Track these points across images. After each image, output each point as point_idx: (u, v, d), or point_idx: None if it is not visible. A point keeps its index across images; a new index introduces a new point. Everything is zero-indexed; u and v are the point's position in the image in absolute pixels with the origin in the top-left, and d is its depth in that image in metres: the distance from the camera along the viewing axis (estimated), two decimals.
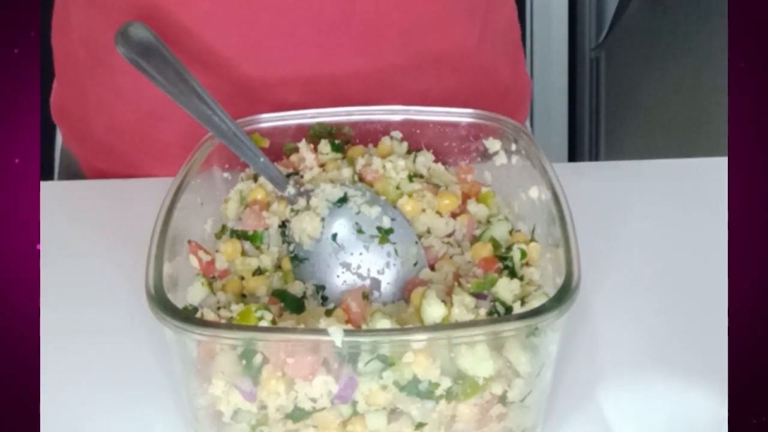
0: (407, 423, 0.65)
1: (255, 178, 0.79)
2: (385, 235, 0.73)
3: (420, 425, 0.65)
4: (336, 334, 0.60)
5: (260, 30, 0.91)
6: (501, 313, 0.66)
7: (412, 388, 0.63)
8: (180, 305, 0.65)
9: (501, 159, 0.79)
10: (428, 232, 0.76)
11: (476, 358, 0.62)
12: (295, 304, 0.71)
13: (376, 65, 0.94)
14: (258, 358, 0.63)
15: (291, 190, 0.76)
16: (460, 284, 0.69)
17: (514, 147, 0.78)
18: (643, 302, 0.81)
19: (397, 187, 0.77)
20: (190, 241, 0.72)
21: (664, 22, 2.02)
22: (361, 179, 0.78)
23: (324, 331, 0.60)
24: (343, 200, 0.74)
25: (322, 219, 0.74)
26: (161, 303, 0.63)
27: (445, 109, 0.80)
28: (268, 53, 0.92)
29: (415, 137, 0.81)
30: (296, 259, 0.74)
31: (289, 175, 0.78)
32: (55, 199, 0.87)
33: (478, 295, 0.67)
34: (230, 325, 0.64)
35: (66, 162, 1.08)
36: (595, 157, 2.08)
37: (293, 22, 0.91)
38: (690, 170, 0.93)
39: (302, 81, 0.93)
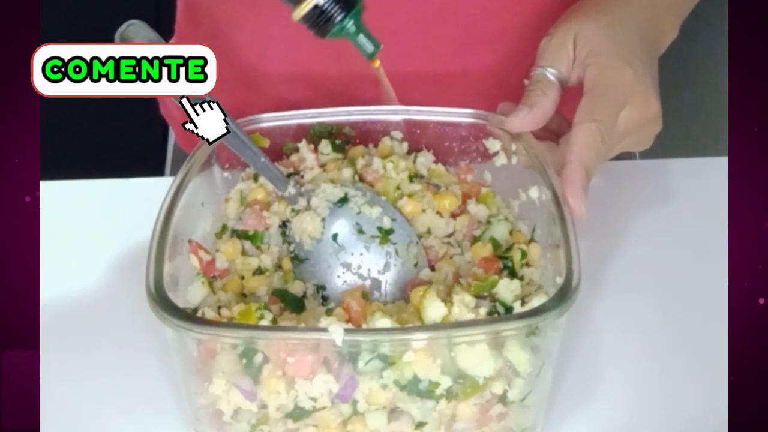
0: (407, 422, 0.65)
1: (255, 178, 0.78)
2: (385, 235, 0.73)
3: (420, 424, 0.65)
4: (336, 333, 0.60)
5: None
6: (501, 313, 0.66)
7: (413, 387, 0.63)
8: (180, 305, 0.65)
9: (501, 159, 0.79)
10: (428, 232, 0.76)
11: (476, 358, 0.62)
12: (295, 304, 0.71)
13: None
14: (258, 357, 0.63)
15: (291, 190, 0.76)
16: (460, 284, 0.69)
17: (514, 147, 0.77)
18: (643, 302, 0.80)
19: (398, 188, 0.77)
20: (191, 241, 0.72)
21: None
22: (362, 179, 0.78)
23: (324, 330, 0.60)
24: (344, 200, 0.74)
25: (323, 219, 0.74)
26: (162, 302, 0.63)
27: (445, 109, 0.80)
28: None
29: (416, 137, 0.81)
30: (297, 259, 0.74)
31: (289, 175, 0.78)
32: (55, 199, 0.87)
33: (479, 295, 0.67)
34: (231, 324, 0.64)
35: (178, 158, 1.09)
36: None
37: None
38: (690, 170, 0.93)
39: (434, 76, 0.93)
